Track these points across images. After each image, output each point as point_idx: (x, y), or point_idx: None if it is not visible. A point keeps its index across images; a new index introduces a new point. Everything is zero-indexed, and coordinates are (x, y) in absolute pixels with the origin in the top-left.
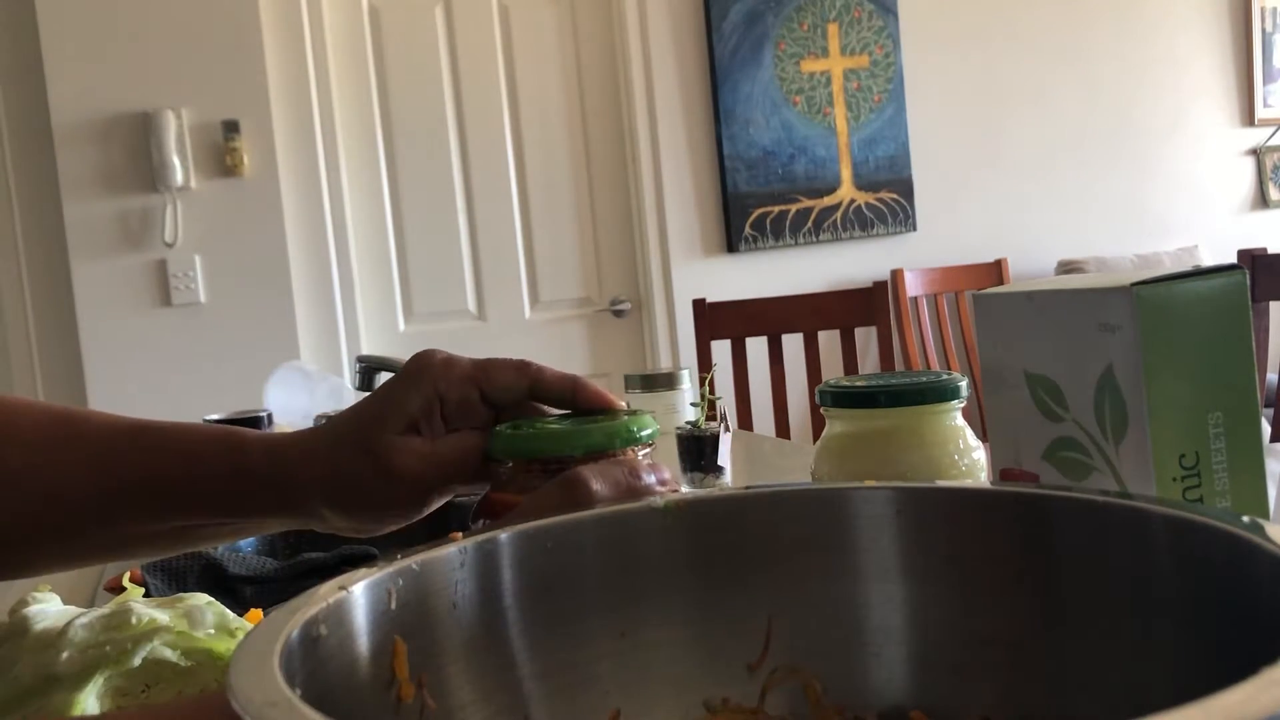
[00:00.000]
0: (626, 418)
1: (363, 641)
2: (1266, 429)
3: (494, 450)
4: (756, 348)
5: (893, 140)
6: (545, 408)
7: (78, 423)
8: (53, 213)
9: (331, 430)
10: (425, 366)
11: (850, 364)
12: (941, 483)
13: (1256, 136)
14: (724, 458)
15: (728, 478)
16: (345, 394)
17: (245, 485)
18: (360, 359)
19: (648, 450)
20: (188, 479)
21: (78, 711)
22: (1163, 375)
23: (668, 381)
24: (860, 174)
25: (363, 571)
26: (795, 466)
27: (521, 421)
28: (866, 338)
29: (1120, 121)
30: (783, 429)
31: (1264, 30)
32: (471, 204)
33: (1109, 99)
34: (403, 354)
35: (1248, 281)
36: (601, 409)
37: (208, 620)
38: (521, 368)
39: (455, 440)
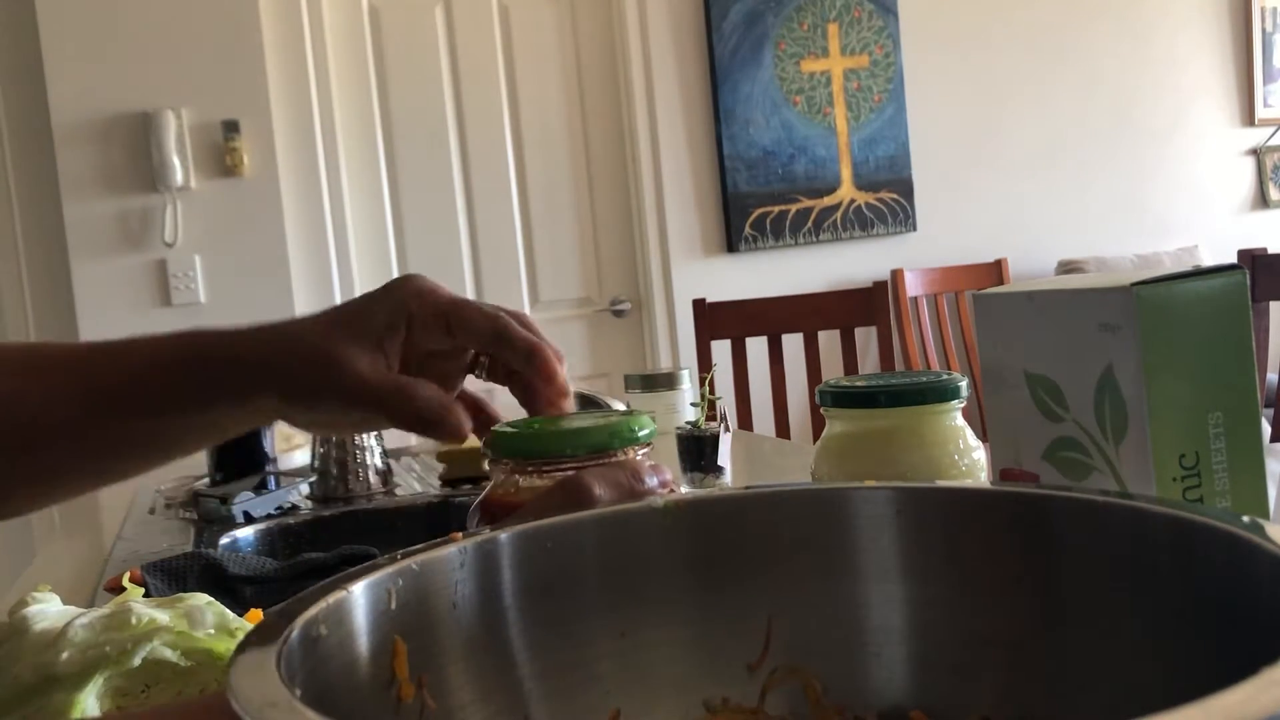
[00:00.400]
0: (624, 418)
1: (363, 641)
2: (1266, 429)
3: (493, 449)
4: (756, 348)
5: (893, 140)
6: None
7: (40, 349)
8: (53, 212)
9: (298, 324)
10: (403, 290)
11: (850, 364)
12: (941, 483)
13: (1256, 136)
14: (724, 458)
15: (728, 478)
16: None
17: (205, 368)
18: None
19: (646, 450)
20: (151, 370)
21: (78, 712)
22: (1163, 375)
23: (668, 381)
24: (860, 174)
25: (363, 571)
26: (795, 466)
27: (520, 421)
28: (866, 338)
29: (1120, 121)
30: (783, 429)
31: (1264, 30)
32: (471, 204)
33: (1109, 99)
34: None
35: (1248, 281)
36: (545, 385)
37: (208, 620)
38: (492, 317)
39: (404, 379)
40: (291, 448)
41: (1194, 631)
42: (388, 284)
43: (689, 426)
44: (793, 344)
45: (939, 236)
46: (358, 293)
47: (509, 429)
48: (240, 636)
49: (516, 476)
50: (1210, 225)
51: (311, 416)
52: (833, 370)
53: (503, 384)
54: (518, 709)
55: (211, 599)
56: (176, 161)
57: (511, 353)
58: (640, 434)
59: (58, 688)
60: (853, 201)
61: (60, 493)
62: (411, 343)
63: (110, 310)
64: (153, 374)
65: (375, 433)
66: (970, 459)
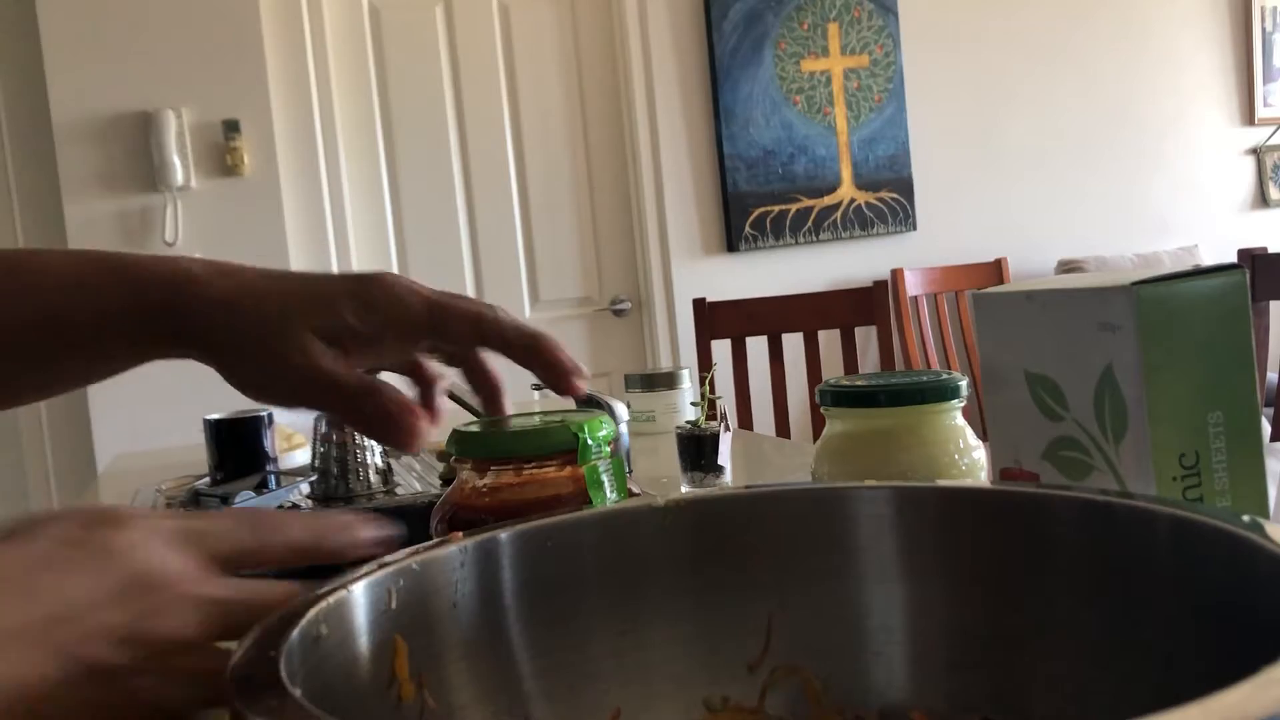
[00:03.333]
0: (587, 418)
1: (363, 641)
2: (1266, 429)
3: (456, 449)
4: (756, 347)
5: (893, 140)
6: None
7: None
8: (53, 212)
9: (264, 293)
10: (380, 294)
11: (850, 363)
12: (941, 483)
13: (1256, 136)
14: (724, 457)
15: (728, 477)
16: None
17: (140, 309)
18: None
19: (607, 450)
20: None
21: None
22: (1163, 375)
23: (668, 381)
24: (860, 173)
25: (363, 571)
26: (795, 466)
27: (484, 420)
28: (866, 337)
29: (1120, 121)
30: (783, 429)
31: (1264, 30)
32: (471, 204)
33: (1109, 98)
34: None
35: (1248, 281)
36: (557, 376)
37: None
38: (477, 321)
39: (371, 381)
40: (291, 447)
41: (1194, 631)
42: (361, 279)
43: (689, 426)
44: (793, 343)
45: (939, 236)
46: None
47: (472, 429)
48: None
49: (480, 477)
50: (1210, 225)
51: (246, 385)
52: (833, 370)
53: (455, 365)
54: (518, 709)
55: None
56: (177, 161)
57: (506, 351)
58: (601, 434)
59: None
60: (853, 201)
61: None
62: (376, 353)
63: None
64: (77, 314)
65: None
66: (970, 459)
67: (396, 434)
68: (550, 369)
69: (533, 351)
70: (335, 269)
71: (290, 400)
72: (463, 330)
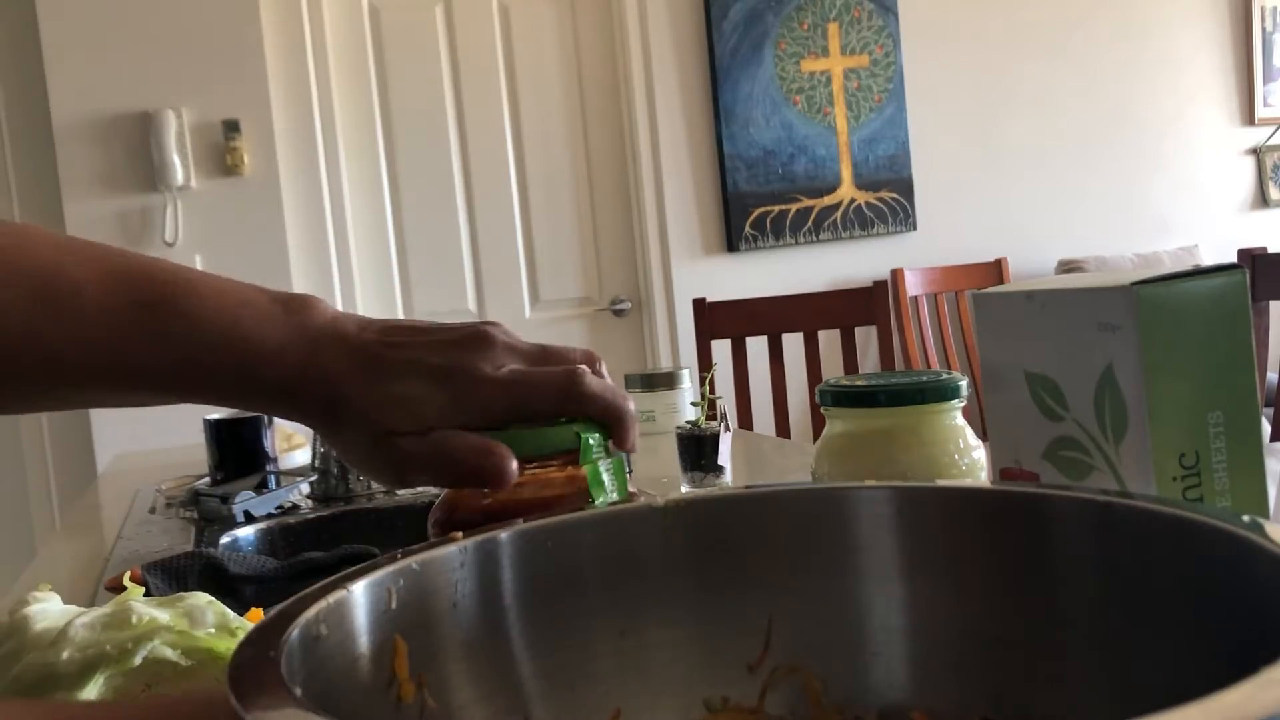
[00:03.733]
0: (584, 421)
1: (363, 641)
2: (1266, 429)
3: None
4: (756, 347)
5: (893, 140)
6: None
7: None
8: (53, 212)
9: (336, 363)
10: (470, 369)
11: (850, 363)
12: (941, 482)
13: (1256, 136)
14: (724, 457)
15: (728, 477)
16: None
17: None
18: None
19: (607, 450)
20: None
21: None
22: (1163, 375)
23: (668, 381)
24: (860, 173)
25: (363, 571)
26: (795, 466)
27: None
28: (866, 337)
29: (1120, 121)
30: (783, 429)
31: (1264, 30)
32: (471, 203)
33: (1109, 98)
34: None
35: (1248, 281)
36: (620, 442)
37: (208, 620)
38: (565, 390)
39: (443, 439)
40: (291, 447)
41: (1194, 631)
42: (462, 345)
43: (689, 426)
44: (793, 343)
45: (939, 236)
46: (357, 292)
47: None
48: (240, 636)
49: None
50: (1210, 225)
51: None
52: (833, 370)
53: None
54: (518, 709)
55: (212, 598)
56: (177, 161)
57: (586, 413)
58: (601, 434)
59: (58, 687)
60: (853, 201)
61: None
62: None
63: None
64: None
65: None
66: (970, 459)
67: (478, 481)
68: (621, 442)
69: (616, 424)
70: (335, 269)
71: (380, 474)
72: (549, 402)
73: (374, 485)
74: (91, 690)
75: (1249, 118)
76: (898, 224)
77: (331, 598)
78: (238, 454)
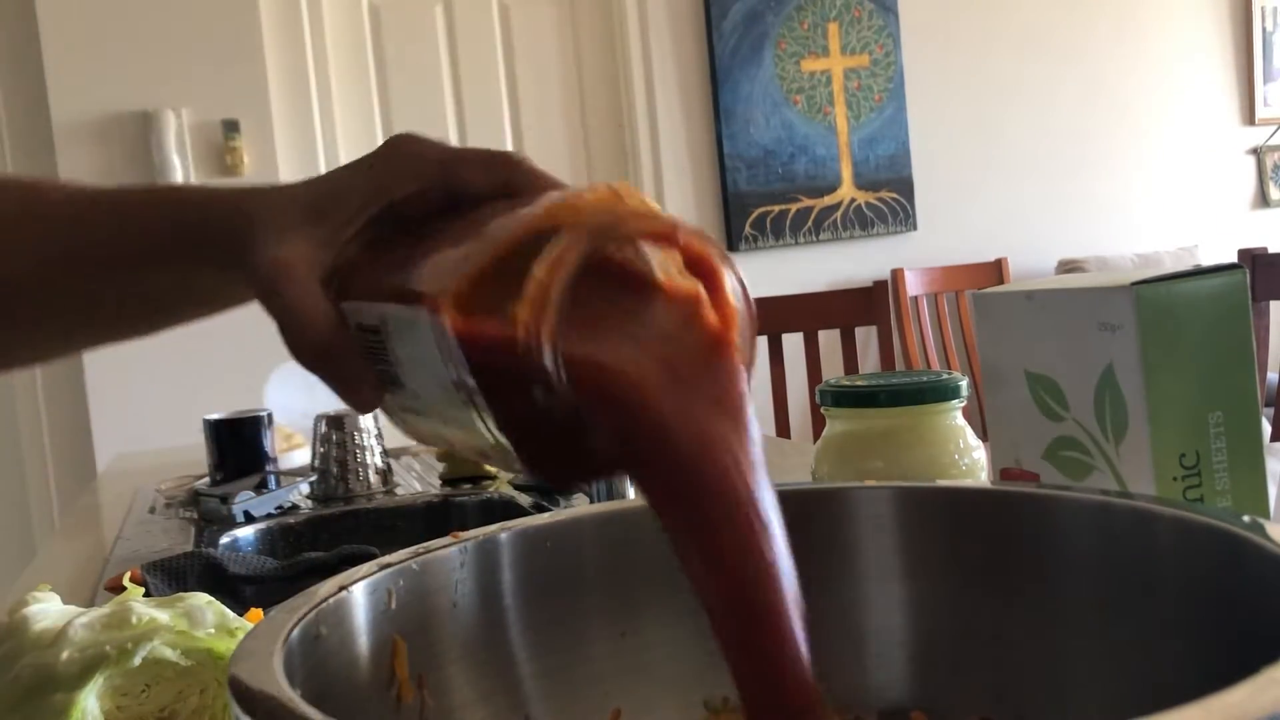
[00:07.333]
0: None
1: (363, 641)
2: (1266, 429)
3: None
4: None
5: (893, 139)
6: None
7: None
8: None
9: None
10: (390, 164)
11: (850, 364)
12: (941, 482)
13: (1256, 136)
14: None
15: None
16: None
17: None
18: None
19: None
20: (117, 218)
21: (78, 712)
22: (1163, 375)
23: None
24: (860, 173)
25: (363, 571)
26: (795, 466)
27: None
28: (867, 337)
29: (1120, 121)
30: (783, 429)
31: (1264, 30)
32: None
33: (1109, 98)
34: None
35: (1248, 281)
36: None
37: (208, 620)
38: (490, 164)
39: (337, 344)
40: (291, 447)
41: (1194, 631)
42: (377, 156)
43: None
44: (793, 343)
45: (939, 236)
46: None
47: None
48: (240, 636)
49: None
50: (1210, 225)
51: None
52: (833, 370)
53: None
54: (518, 709)
55: (212, 598)
56: (177, 161)
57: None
58: None
59: (58, 687)
60: (853, 201)
61: (23, 354)
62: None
63: None
64: (119, 222)
65: (375, 432)
66: (970, 459)
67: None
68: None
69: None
70: None
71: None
72: (477, 177)
73: (374, 485)
74: (91, 690)
75: (1249, 118)
76: (898, 224)
77: (331, 598)
78: (237, 454)
